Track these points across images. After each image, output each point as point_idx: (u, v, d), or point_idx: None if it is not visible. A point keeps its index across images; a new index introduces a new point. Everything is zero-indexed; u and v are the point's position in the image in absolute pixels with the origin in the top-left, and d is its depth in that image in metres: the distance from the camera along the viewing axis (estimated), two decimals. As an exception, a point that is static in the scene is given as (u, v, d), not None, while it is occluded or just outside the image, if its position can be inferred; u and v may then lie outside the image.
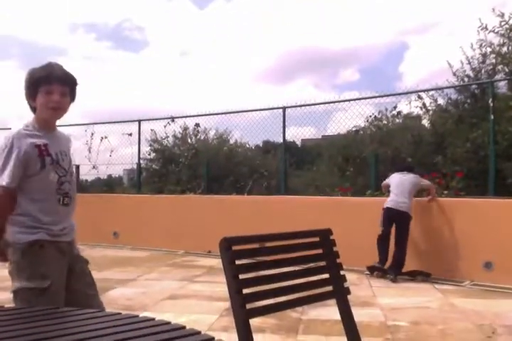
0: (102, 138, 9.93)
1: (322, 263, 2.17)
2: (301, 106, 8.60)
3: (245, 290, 1.76)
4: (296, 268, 2.05)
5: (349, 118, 8.44)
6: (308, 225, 2.35)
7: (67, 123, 10.57)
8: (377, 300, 4.88)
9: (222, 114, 9.38)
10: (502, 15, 7.19)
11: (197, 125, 10.10)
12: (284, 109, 8.51)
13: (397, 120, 9.81)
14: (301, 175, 10.28)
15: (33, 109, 2.22)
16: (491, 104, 7.10)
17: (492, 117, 7.00)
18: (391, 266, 5.83)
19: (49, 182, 2.19)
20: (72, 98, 2.28)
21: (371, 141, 8.99)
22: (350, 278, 5.77)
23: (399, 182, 6.09)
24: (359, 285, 5.49)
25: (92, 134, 10.09)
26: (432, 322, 4.05)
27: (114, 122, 10.08)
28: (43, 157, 2.15)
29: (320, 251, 2.18)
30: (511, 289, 5.26)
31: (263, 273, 1.90)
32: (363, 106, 8.56)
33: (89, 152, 9.98)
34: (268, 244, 2.08)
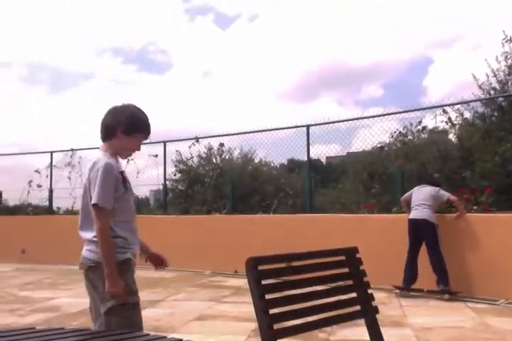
0: (129, 160, 10.09)
1: (349, 282, 2.16)
2: (324, 123, 8.61)
3: (272, 311, 1.75)
4: (323, 287, 2.03)
5: (374, 135, 8.39)
6: (334, 243, 2.35)
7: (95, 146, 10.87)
8: (407, 319, 4.76)
9: (246, 133, 9.44)
10: (526, 27, 7.11)
11: (221, 145, 10.19)
12: (307, 127, 8.54)
13: (423, 135, 9.72)
14: (326, 193, 10.21)
15: (110, 136, 2.44)
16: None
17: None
18: (437, 280, 5.64)
19: (131, 204, 2.46)
20: None
21: (396, 157, 8.90)
22: (379, 296, 5.68)
23: (417, 194, 6.07)
24: (388, 305, 5.37)
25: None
26: (465, 342, 3.94)
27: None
28: (126, 182, 2.42)
29: (346, 269, 2.17)
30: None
31: (289, 292, 1.88)
32: (387, 122, 8.50)
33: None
34: (294, 264, 2.09)
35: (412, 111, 8.40)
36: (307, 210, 7.80)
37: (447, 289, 5.58)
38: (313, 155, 8.76)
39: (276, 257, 1.96)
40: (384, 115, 8.39)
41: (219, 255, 7.78)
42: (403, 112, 8.47)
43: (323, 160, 10.24)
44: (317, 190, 9.55)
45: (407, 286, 5.82)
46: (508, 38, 7.65)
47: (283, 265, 2.00)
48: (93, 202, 2.27)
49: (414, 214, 5.92)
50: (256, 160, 11.00)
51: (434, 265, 5.66)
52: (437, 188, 6.06)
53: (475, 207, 6.24)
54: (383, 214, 6.78)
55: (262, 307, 1.74)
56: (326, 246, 2.22)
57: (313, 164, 8.93)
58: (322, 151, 9.08)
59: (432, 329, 4.38)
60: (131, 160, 10.09)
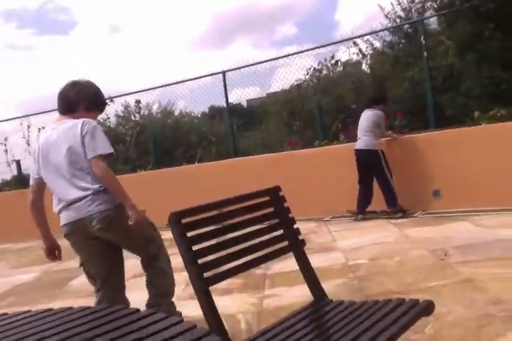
0: (40, 129, 9.52)
1: (276, 221, 2.22)
2: (239, 68, 8.52)
3: (202, 260, 1.77)
4: (252, 229, 2.06)
5: (291, 73, 8.44)
6: (262, 184, 2.34)
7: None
8: (337, 243, 5.00)
9: (162, 87, 9.19)
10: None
11: (138, 101, 9.87)
12: (223, 73, 8.42)
13: (338, 68, 9.85)
14: (250, 136, 10.26)
15: (71, 111, 2.71)
16: (423, 42, 7.18)
17: (425, 54, 7.09)
18: (386, 204, 5.73)
19: None
20: None
21: (314, 93, 9.01)
22: (310, 226, 5.97)
23: (360, 121, 5.94)
24: (318, 233, 5.60)
25: (29, 126, 9.71)
26: (389, 255, 4.18)
27: (49, 111, 9.60)
28: None
29: (272, 209, 2.22)
30: (458, 212, 5.48)
31: (220, 239, 1.90)
32: (303, 59, 8.53)
33: (29, 145, 9.59)
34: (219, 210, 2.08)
35: (324, 46, 8.44)
36: (231, 155, 7.82)
37: (397, 209, 5.66)
38: (233, 99, 8.68)
39: (199, 208, 1.94)
40: (297, 53, 8.39)
41: (151, 211, 7.65)
42: (316, 48, 8.50)
43: (244, 103, 10.19)
44: (241, 133, 9.57)
45: (361, 212, 5.90)
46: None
47: (214, 213, 1.98)
48: (100, 152, 2.53)
49: (356, 145, 5.87)
50: (176, 113, 10.78)
51: (382, 190, 5.72)
52: (377, 112, 5.82)
53: (390, 132, 6.49)
54: (306, 149, 6.90)
55: (188, 259, 1.75)
56: (256, 187, 2.23)
57: (233, 109, 8.88)
58: (242, 95, 9.05)
59: (360, 248, 4.62)
60: (43, 129, 9.59)
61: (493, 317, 2.55)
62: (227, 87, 8.45)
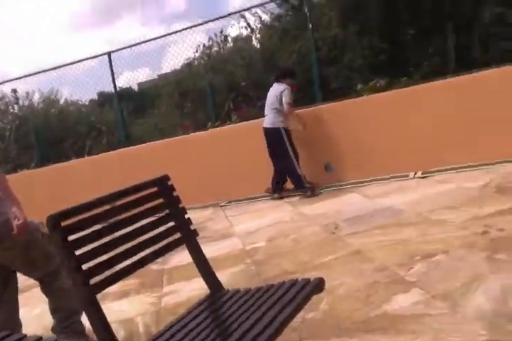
0: None
1: (166, 212, 2.12)
2: (125, 48, 8.01)
3: (88, 264, 1.65)
4: (143, 223, 1.96)
5: (182, 52, 8.02)
6: (156, 172, 2.21)
7: None
8: (234, 229, 4.96)
9: (41, 72, 8.45)
10: None
11: (14, 91, 9.04)
12: (108, 54, 7.89)
13: (228, 45, 9.67)
14: (144, 122, 9.83)
15: None
16: (308, 13, 7.18)
17: (310, 26, 7.10)
18: (293, 184, 5.65)
19: None
20: None
21: (206, 71, 8.79)
22: (206, 214, 5.89)
23: (267, 98, 5.72)
24: (215, 219, 5.54)
25: None
26: (285, 234, 4.24)
27: None
28: None
29: (161, 200, 2.12)
30: (350, 184, 5.67)
31: (108, 238, 1.79)
32: (194, 36, 8.09)
33: None
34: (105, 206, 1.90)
35: (213, 20, 8.13)
36: (123, 144, 7.45)
37: (306, 188, 5.55)
38: (123, 83, 8.21)
39: (80, 207, 1.78)
40: (186, 29, 8.02)
41: (38, 214, 7.14)
42: (205, 23, 8.18)
43: (135, 87, 9.74)
44: (133, 120, 9.15)
45: (276, 190, 5.79)
46: None
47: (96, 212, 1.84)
48: None
49: (264, 123, 5.69)
50: (61, 101, 10.03)
51: (287, 170, 5.60)
52: (283, 88, 5.53)
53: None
54: (198, 133, 6.72)
55: (71, 265, 1.61)
56: (150, 176, 2.11)
57: (124, 93, 8.42)
58: (133, 78, 8.54)
59: (257, 231, 4.62)
60: None
61: (378, 284, 2.70)
62: (116, 71, 7.94)
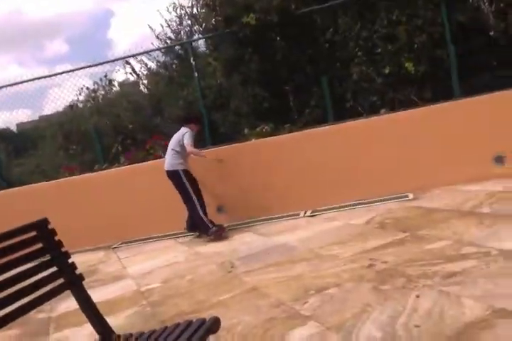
0: None
1: (47, 257, 2.02)
2: (1, 87, 7.66)
3: None
4: (21, 269, 1.85)
5: (65, 94, 7.92)
6: (38, 216, 2.10)
7: None
8: (127, 271, 4.86)
9: None
10: (187, -22, 7.55)
11: None
12: (-20, 95, 7.47)
13: (114, 88, 9.67)
14: (24, 163, 9.31)
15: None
16: (193, 63, 7.53)
17: (196, 74, 7.44)
18: (198, 228, 5.59)
19: None
20: None
21: (91, 114, 8.68)
22: (98, 256, 5.70)
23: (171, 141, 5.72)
24: (107, 262, 5.38)
25: None
26: (181, 275, 4.25)
27: None
28: None
29: (40, 245, 2.02)
30: (239, 224, 5.87)
31: None
32: (78, 79, 8.03)
33: None
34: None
35: (97, 65, 8.13)
36: (1, 186, 6.95)
37: (213, 231, 5.41)
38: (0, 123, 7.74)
39: None
40: (70, 71, 7.92)
41: None
42: (89, 67, 8.14)
43: (14, 128, 9.24)
44: (12, 161, 8.61)
45: (190, 231, 5.74)
46: (171, -11, 8.02)
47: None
48: None
49: (164, 165, 5.64)
50: None
51: (190, 213, 5.56)
52: (185, 131, 5.57)
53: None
54: (84, 175, 6.55)
55: None
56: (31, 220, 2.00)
57: (1, 134, 7.93)
58: (11, 118, 8.16)
59: (151, 272, 4.57)
60: None
61: (275, 320, 2.79)
62: (-9, 110, 7.55)
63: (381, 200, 5.49)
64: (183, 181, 5.48)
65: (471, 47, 6.24)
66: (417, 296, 2.72)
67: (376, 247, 3.83)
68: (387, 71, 6.58)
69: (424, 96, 6.42)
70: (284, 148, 5.91)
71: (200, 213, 5.45)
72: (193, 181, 5.57)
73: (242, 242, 5.03)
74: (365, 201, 5.58)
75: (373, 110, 6.41)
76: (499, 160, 5.48)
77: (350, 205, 5.59)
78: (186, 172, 5.56)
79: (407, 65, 6.40)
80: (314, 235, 4.67)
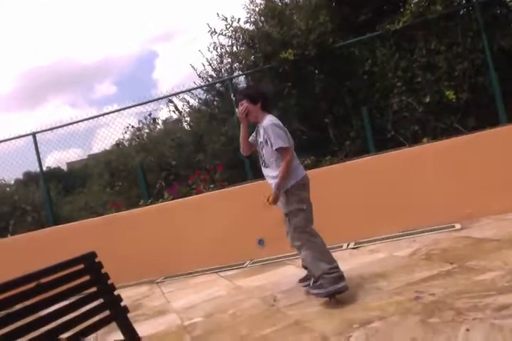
0: None
1: (94, 289, 2.09)
2: (52, 129, 8.07)
3: None
4: (69, 301, 1.92)
5: (112, 133, 8.24)
6: (86, 250, 2.21)
7: None
8: (171, 305, 4.87)
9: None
10: (226, 19, 7.86)
11: None
12: (33, 135, 7.89)
13: (158, 127, 9.98)
14: (73, 200, 9.66)
15: None
16: (233, 99, 7.71)
17: (237, 110, 7.59)
18: None
19: None
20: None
21: (136, 152, 8.95)
22: (142, 290, 5.75)
23: None
24: (151, 296, 5.41)
25: None
26: (223, 309, 4.21)
27: None
28: None
29: (88, 277, 2.10)
30: (282, 258, 5.78)
31: (30, 318, 1.73)
32: (124, 118, 8.37)
33: None
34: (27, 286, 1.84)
35: (141, 104, 8.42)
36: (51, 223, 7.22)
37: None
38: (51, 163, 8.14)
39: (3, 285, 1.76)
40: (115, 111, 8.28)
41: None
42: (133, 106, 8.47)
43: (65, 166, 9.65)
44: (62, 198, 8.97)
45: None
46: (213, 30, 8.31)
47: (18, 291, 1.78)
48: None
49: None
50: (-18, 181, 9.62)
51: None
52: None
53: (212, 185, 6.70)
54: (129, 211, 6.72)
55: None
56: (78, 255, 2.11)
57: (52, 173, 8.30)
58: (63, 157, 8.54)
59: (194, 307, 4.56)
60: None
61: None
62: (44, 150, 7.96)
63: (426, 231, 5.33)
64: None
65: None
66: (467, 330, 2.58)
67: (422, 279, 3.69)
68: (427, 100, 6.51)
69: (468, 124, 6.29)
70: (325, 180, 5.87)
71: None
72: None
73: (283, 275, 4.96)
74: (410, 232, 5.44)
75: (415, 139, 6.32)
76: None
77: (394, 237, 5.46)
78: None
79: (447, 92, 6.31)
80: (357, 267, 4.57)
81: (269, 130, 3.68)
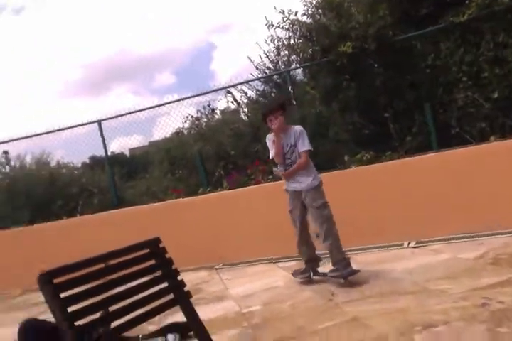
0: None
1: (158, 273, 2.18)
2: (116, 117, 8.43)
3: (80, 322, 1.67)
4: (134, 284, 2.01)
5: (172, 121, 8.60)
6: (147, 234, 2.30)
7: None
8: (229, 292, 5.01)
9: (34, 136, 8.73)
10: (283, 12, 7.88)
11: (5, 152, 9.22)
12: (99, 122, 8.27)
13: (216, 116, 10.16)
14: (135, 185, 10.06)
15: None
16: (291, 91, 7.75)
17: (294, 102, 7.64)
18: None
19: None
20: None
21: (195, 141, 9.17)
22: (201, 275, 5.95)
23: None
24: (210, 282, 5.59)
25: None
26: (281, 299, 4.29)
27: None
28: None
29: (153, 262, 2.19)
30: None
31: (99, 298, 1.82)
32: (183, 108, 8.68)
33: None
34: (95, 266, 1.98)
35: (200, 95, 8.67)
36: (115, 205, 7.58)
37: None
38: (115, 149, 8.52)
39: (72, 266, 1.85)
40: (176, 101, 8.53)
41: (30, 272, 7.04)
42: (193, 97, 8.70)
43: (127, 152, 10.05)
44: (124, 183, 9.36)
45: None
46: (270, 23, 8.34)
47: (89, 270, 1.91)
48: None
49: None
50: (53, 163, 10.21)
51: None
52: None
53: (270, 177, 6.80)
54: (189, 197, 6.93)
55: (65, 323, 1.63)
56: (142, 238, 2.19)
57: (115, 158, 8.69)
58: (126, 143, 8.95)
59: (252, 295, 4.67)
60: None
61: None
62: (109, 136, 8.36)
63: (494, 234, 5.07)
64: None
65: None
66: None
67: (490, 285, 3.54)
68: (495, 95, 6.29)
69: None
70: (386, 175, 5.83)
71: None
72: None
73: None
74: (475, 234, 5.17)
75: (482, 137, 6.13)
76: None
77: (457, 238, 5.25)
78: None
79: (517, 88, 6.08)
80: (420, 267, 4.46)
81: (304, 133, 4.44)
